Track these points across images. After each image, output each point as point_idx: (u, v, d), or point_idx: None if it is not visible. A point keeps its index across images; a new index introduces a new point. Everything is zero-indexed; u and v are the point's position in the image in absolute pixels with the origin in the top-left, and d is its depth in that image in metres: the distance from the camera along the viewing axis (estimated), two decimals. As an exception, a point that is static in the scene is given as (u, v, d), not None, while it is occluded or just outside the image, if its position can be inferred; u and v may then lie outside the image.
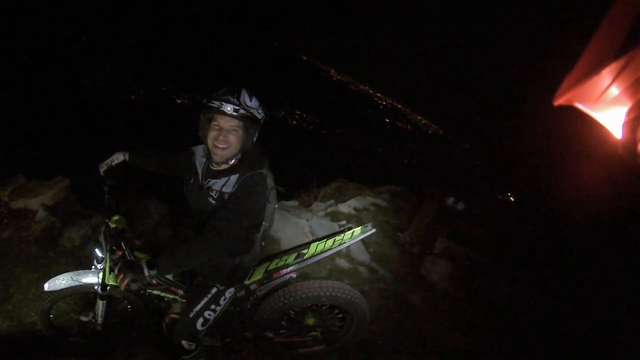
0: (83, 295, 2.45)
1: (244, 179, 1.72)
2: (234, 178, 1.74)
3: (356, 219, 4.63)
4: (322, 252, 2.12)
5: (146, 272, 1.55)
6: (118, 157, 1.97)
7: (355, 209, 4.88)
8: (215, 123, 1.67)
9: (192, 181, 1.88)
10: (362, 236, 2.16)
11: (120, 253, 1.78)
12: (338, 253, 3.75)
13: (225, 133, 1.66)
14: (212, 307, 1.95)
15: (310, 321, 2.42)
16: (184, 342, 1.95)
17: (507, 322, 3.70)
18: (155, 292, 2.03)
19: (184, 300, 2.05)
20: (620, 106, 0.62)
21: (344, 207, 4.78)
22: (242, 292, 2.11)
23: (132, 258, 1.84)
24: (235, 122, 1.65)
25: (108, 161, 1.96)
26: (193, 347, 1.98)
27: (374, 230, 2.19)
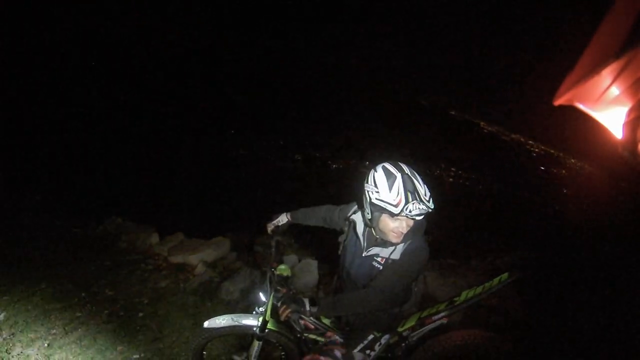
0: (238, 337, 2.57)
1: (409, 244, 1.78)
2: (401, 246, 1.82)
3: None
4: (472, 298, 2.09)
5: (307, 307, 1.64)
6: (283, 219, 2.19)
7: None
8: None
9: (351, 247, 1.94)
10: (509, 280, 2.07)
11: (284, 291, 1.91)
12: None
13: (406, 224, 1.70)
14: (367, 352, 1.98)
15: None
16: None
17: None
18: (312, 336, 2.13)
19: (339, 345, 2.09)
20: (621, 106, 0.61)
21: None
22: (395, 338, 2.12)
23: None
24: None
25: (275, 222, 2.18)
26: None
27: (520, 274, 2.12)
